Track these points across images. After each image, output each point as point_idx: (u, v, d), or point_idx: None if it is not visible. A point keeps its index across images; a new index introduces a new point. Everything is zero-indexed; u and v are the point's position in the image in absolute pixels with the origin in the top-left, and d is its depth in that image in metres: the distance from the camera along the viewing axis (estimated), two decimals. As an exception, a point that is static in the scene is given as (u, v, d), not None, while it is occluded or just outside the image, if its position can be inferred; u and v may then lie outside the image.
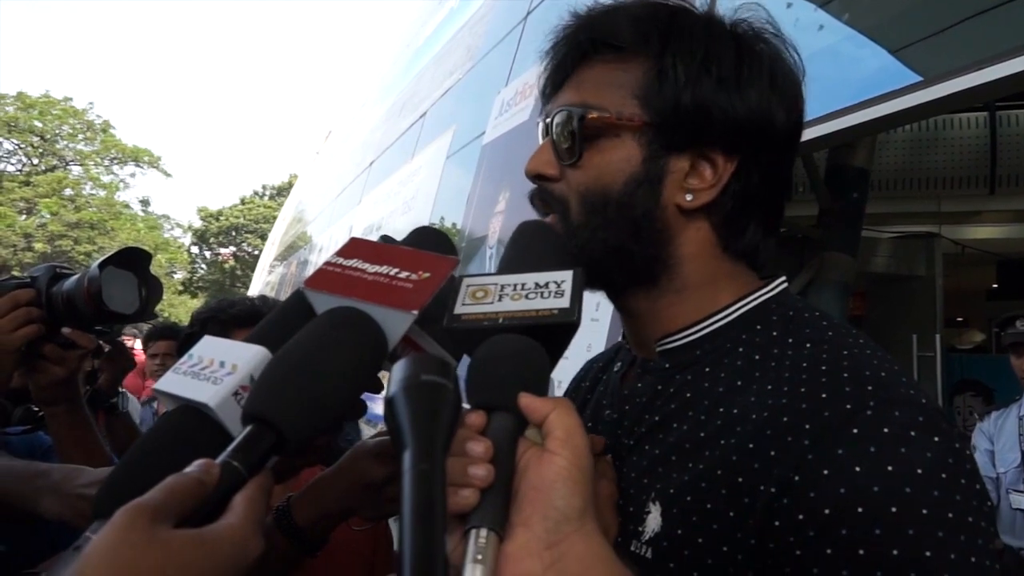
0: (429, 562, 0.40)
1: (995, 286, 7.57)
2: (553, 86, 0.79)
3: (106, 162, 31.19)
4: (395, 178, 6.78)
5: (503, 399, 0.53)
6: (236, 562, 0.45)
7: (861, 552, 0.53)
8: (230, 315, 1.49)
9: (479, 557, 0.44)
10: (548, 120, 0.76)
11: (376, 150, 8.26)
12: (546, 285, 0.59)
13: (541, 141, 0.78)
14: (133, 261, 1.33)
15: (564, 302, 0.57)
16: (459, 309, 0.59)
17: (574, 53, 0.76)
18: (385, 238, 0.73)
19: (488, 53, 5.33)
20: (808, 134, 2.01)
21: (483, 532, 0.46)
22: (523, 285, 0.59)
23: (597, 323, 2.41)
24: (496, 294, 0.59)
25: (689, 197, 0.72)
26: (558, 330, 0.57)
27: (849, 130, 1.91)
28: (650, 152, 0.72)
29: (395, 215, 6.19)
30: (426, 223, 5.27)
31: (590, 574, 0.50)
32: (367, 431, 4.96)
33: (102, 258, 1.32)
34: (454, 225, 4.86)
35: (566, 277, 0.59)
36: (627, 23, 0.73)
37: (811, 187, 3.53)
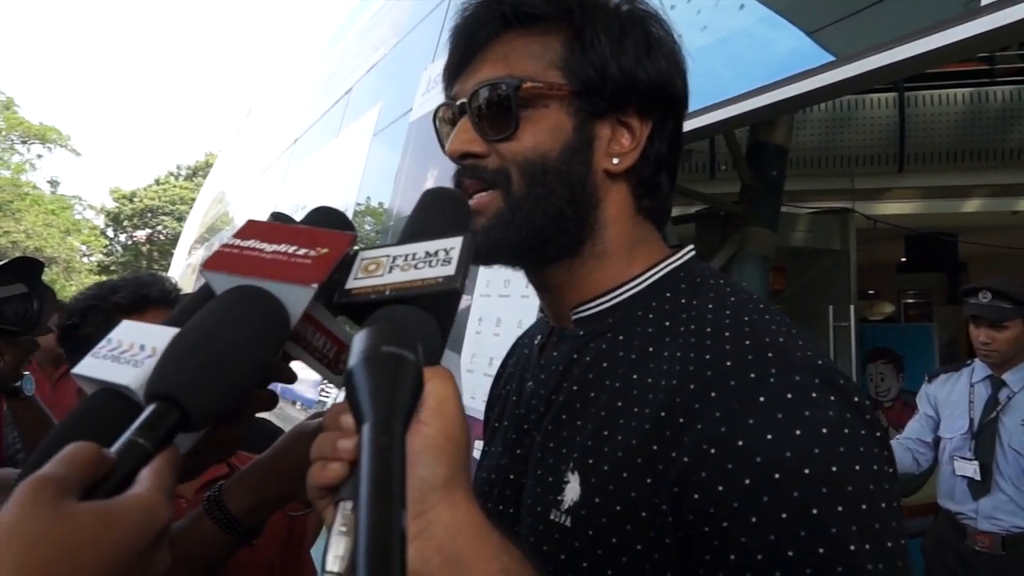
0: (386, 536, 0.39)
1: (903, 259, 7.97)
2: (460, 66, 0.80)
3: (10, 141, 29.48)
4: (320, 156, 6.63)
5: None
6: (144, 530, 0.45)
7: (784, 516, 0.56)
8: (113, 303, 1.35)
9: (343, 529, 0.44)
10: (467, 98, 0.76)
11: (300, 127, 8.06)
12: (435, 253, 0.57)
13: (443, 123, 0.81)
14: (24, 272, 1.25)
15: (450, 269, 0.55)
16: (350, 284, 0.58)
17: (491, 27, 0.76)
18: (276, 215, 0.72)
19: (414, 28, 5.25)
20: (729, 111, 2.06)
21: (349, 504, 0.45)
22: (414, 255, 0.58)
23: (527, 299, 2.42)
24: (387, 266, 0.58)
25: (615, 161, 0.76)
26: (445, 298, 0.55)
27: (767, 107, 1.96)
28: (579, 120, 0.75)
29: (321, 193, 6.06)
30: (352, 202, 5.19)
31: (457, 541, 0.51)
32: (290, 411, 4.88)
33: None
34: (381, 204, 4.79)
35: (455, 244, 0.57)
36: None
37: (733, 165, 3.63)
